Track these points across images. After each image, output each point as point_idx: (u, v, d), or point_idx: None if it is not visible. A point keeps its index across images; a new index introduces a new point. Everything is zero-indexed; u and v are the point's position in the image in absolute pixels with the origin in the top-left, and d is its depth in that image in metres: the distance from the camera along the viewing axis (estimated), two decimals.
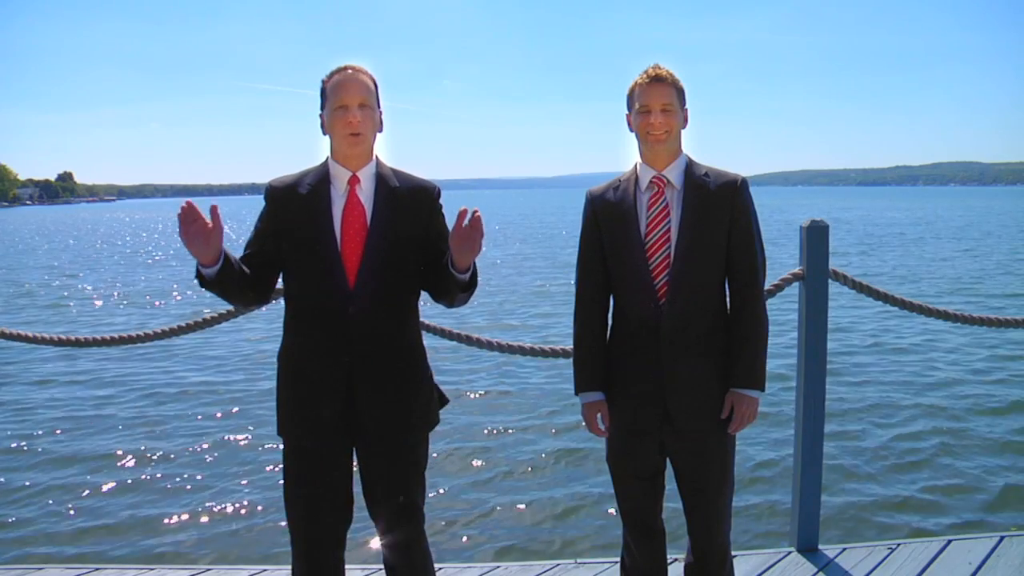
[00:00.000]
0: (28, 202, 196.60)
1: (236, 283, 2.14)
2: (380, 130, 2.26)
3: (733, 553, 2.46)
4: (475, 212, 2.04)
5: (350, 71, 2.19)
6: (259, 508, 5.33)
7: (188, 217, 1.96)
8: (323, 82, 2.21)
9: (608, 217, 2.31)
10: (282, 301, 2.34)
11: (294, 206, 2.19)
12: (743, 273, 2.27)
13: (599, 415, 2.35)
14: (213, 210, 1.98)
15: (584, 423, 2.40)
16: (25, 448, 6.68)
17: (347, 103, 2.15)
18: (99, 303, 16.66)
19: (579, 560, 3.38)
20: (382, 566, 2.35)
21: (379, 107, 2.25)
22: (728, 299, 2.32)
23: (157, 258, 28.69)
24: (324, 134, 2.24)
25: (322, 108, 2.22)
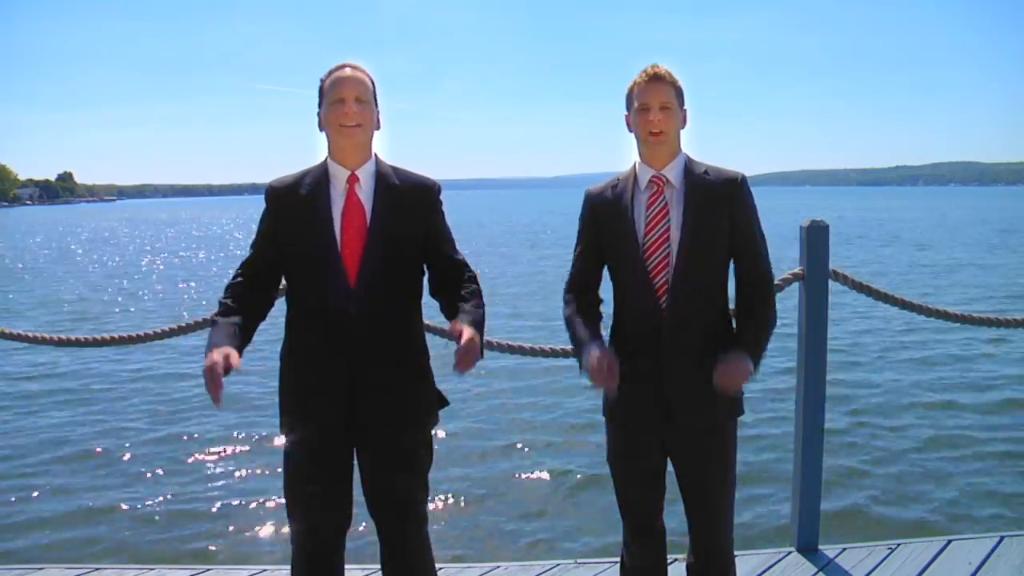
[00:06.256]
0: (28, 202, 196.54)
1: (250, 336, 2.19)
2: (378, 127, 2.26)
3: (734, 553, 2.45)
4: (468, 339, 2.00)
5: (347, 69, 2.20)
6: (259, 508, 5.33)
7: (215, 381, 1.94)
8: (321, 81, 2.22)
9: (606, 216, 2.30)
10: (283, 301, 2.34)
11: (294, 207, 2.20)
12: (751, 270, 2.26)
13: (606, 363, 2.13)
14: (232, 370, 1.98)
15: (591, 382, 2.17)
16: (25, 448, 6.68)
17: (344, 96, 2.15)
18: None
19: (579, 560, 3.38)
20: (381, 566, 2.34)
21: (377, 105, 2.25)
22: (736, 296, 2.30)
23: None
24: (321, 130, 2.24)
25: (320, 106, 2.22)
